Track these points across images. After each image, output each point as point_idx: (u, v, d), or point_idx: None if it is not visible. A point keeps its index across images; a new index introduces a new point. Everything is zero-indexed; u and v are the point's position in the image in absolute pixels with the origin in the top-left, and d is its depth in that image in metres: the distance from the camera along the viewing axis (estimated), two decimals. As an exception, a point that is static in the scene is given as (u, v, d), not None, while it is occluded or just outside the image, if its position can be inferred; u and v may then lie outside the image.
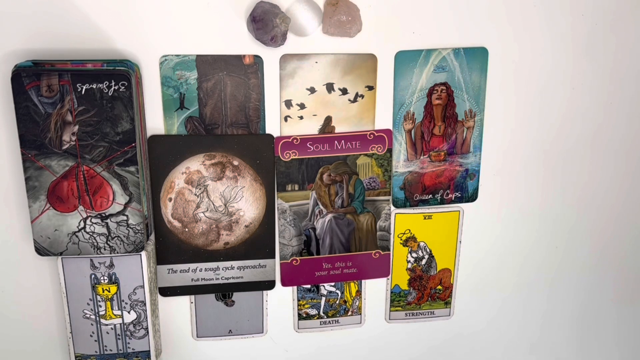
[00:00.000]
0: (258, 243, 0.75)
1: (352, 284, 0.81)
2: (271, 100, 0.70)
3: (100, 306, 0.71)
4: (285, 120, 0.71)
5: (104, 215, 0.66)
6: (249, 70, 0.68)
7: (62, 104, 0.62)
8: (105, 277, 0.70)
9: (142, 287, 0.71)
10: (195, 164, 0.71)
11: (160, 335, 0.77)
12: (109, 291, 0.71)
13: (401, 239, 0.79)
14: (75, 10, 0.63)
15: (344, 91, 0.71)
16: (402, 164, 0.76)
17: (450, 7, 0.70)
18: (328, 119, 0.72)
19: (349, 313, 0.82)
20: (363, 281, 0.81)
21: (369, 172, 0.75)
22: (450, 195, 0.78)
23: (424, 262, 0.81)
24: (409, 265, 0.81)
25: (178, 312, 0.77)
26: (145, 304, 0.72)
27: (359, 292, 0.81)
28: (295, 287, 0.79)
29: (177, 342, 0.79)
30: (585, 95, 0.77)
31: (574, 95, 0.77)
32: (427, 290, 0.82)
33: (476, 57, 0.72)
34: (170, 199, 0.71)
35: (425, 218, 0.79)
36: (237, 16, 0.66)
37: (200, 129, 0.70)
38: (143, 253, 0.69)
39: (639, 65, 0.77)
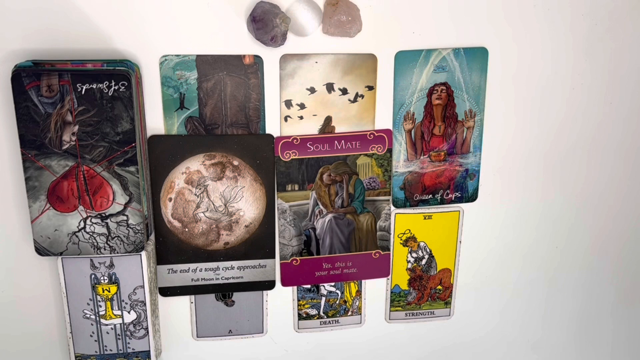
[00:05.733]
0: (258, 243, 0.75)
1: (352, 284, 0.81)
2: (271, 100, 0.70)
3: (100, 306, 0.71)
4: (285, 120, 0.71)
5: (104, 215, 0.66)
6: (249, 70, 0.68)
7: (62, 104, 0.62)
8: (105, 277, 0.70)
9: (142, 287, 0.71)
10: (195, 164, 0.71)
11: (160, 335, 0.77)
12: (109, 291, 0.71)
13: (401, 239, 0.79)
14: (75, 10, 0.63)
15: (344, 91, 0.71)
16: (402, 164, 0.76)
17: (450, 7, 0.70)
18: (328, 119, 0.72)
19: (349, 313, 0.82)
20: (363, 281, 0.81)
21: (369, 172, 0.75)
22: (450, 195, 0.78)
23: (424, 262, 0.81)
24: (409, 265, 0.81)
25: (178, 312, 0.77)
26: (145, 304, 0.72)
27: (359, 292, 0.81)
28: (295, 287, 0.79)
29: (177, 342, 0.79)
30: (585, 95, 0.77)
31: (574, 95, 0.77)
32: (427, 290, 0.82)
33: (476, 57, 0.72)
34: (170, 199, 0.71)
35: (425, 218, 0.79)
36: (237, 16, 0.66)
37: (200, 129, 0.70)
38: (143, 253, 0.69)
39: (639, 65, 0.77)
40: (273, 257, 0.76)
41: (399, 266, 0.80)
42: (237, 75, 0.68)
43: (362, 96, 0.72)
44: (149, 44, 0.66)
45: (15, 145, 0.66)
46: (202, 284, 0.75)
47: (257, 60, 0.68)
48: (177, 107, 0.68)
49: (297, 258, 0.77)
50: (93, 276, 0.70)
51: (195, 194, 0.72)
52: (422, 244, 0.80)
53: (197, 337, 0.79)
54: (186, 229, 0.73)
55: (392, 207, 0.77)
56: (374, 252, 0.78)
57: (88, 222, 0.66)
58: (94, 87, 0.61)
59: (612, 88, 0.78)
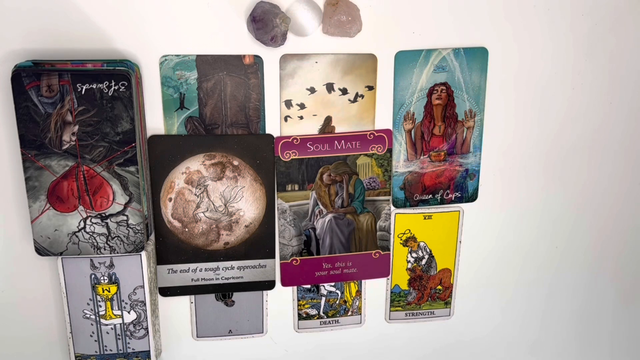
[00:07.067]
0: (258, 243, 0.75)
1: (352, 284, 0.81)
2: (271, 100, 0.70)
3: (100, 306, 0.71)
4: (285, 120, 0.71)
5: (104, 215, 0.66)
6: (249, 70, 0.68)
7: (62, 104, 0.62)
8: (105, 277, 0.70)
9: (142, 287, 0.71)
10: (195, 164, 0.71)
11: (160, 335, 0.77)
12: (109, 291, 0.71)
13: (401, 239, 0.79)
14: (75, 10, 0.63)
15: (344, 91, 0.71)
16: (402, 164, 0.76)
17: (450, 7, 0.70)
18: (328, 119, 0.72)
19: (349, 313, 0.82)
20: (363, 281, 0.81)
21: (369, 172, 0.75)
22: (450, 195, 0.78)
23: (424, 262, 0.81)
24: (409, 265, 0.81)
25: (178, 312, 0.77)
26: (145, 304, 0.72)
27: (359, 292, 0.81)
28: (295, 287, 0.79)
29: (177, 342, 0.79)
30: (585, 95, 0.77)
31: (574, 95, 0.77)
32: (427, 290, 0.82)
33: (476, 57, 0.72)
34: (170, 199, 0.71)
35: (425, 218, 0.79)
36: (237, 16, 0.66)
37: (200, 129, 0.70)
38: (143, 253, 0.69)
39: (639, 65, 0.77)
40: (273, 257, 0.76)
41: (399, 266, 0.80)
42: (237, 75, 0.68)
43: (362, 96, 0.72)
44: (149, 44, 0.66)
45: (15, 145, 0.66)
46: (202, 284, 0.75)
47: (257, 60, 0.68)
48: (177, 107, 0.68)
49: (297, 258, 0.77)
50: (93, 276, 0.70)
51: (195, 194, 0.72)
52: (422, 244, 0.80)
53: (197, 337, 0.79)
54: (186, 229, 0.73)
55: (392, 207, 0.77)
56: (374, 252, 0.78)
57: (88, 222, 0.66)
58: (94, 87, 0.61)
59: (612, 88, 0.78)
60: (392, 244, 0.79)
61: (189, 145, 0.70)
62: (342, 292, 0.81)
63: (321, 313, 0.81)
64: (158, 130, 0.69)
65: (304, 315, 0.81)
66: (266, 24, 0.64)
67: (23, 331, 0.74)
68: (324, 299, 0.80)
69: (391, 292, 0.82)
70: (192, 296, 0.76)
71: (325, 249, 0.77)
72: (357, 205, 0.76)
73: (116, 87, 0.62)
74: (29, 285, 0.72)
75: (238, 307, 0.78)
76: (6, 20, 0.62)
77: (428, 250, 0.81)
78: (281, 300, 0.79)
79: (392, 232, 0.79)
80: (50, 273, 0.72)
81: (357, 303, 0.82)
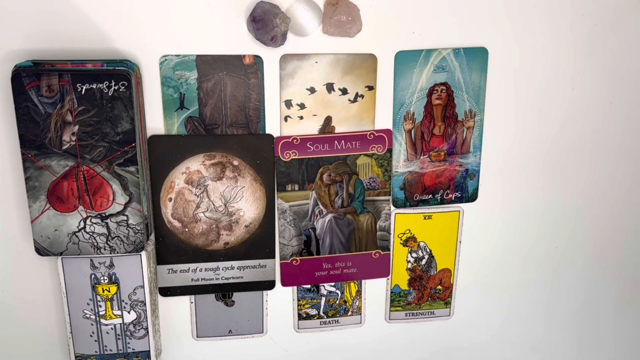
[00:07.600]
0: (258, 243, 0.75)
1: (352, 284, 0.81)
2: (271, 100, 0.70)
3: (100, 306, 0.71)
4: (285, 120, 0.71)
5: (104, 215, 0.66)
6: (249, 70, 0.68)
7: (62, 104, 0.62)
8: (105, 277, 0.70)
9: (142, 287, 0.71)
10: (195, 164, 0.71)
11: (160, 335, 0.77)
12: (109, 291, 0.71)
13: (401, 239, 0.79)
14: (75, 10, 0.63)
15: (344, 91, 0.71)
16: (402, 164, 0.76)
17: (450, 7, 0.70)
18: (328, 119, 0.72)
19: (349, 313, 0.82)
20: (363, 281, 0.81)
21: (369, 172, 0.75)
22: (450, 195, 0.78)
23: (424, 262, 0.81)
24: (409, 265, 0.81)
25: (178, 312, 0.77)
26: (145, 304, 0.72)
27: (359, 292, 0.81)
28: (295, 287, 0.79)
29: (177, 342, 0.79)
30: (585, 95, 0.77)
31: (574, 95, 0.77)
32: (427, 290, 0.82)
33: (476, 57, 0.72)
34: (170, 199, 0.71)
35: (425, 218, 0.79)
36: (237, 16, 0.66)
37: (200, 129, 0.70)
38: (143, 253, 0.69)
39: (639, 65, 0.77)
40: (273, 257, 0.76)
41: (399, 266, 0.80)
42: (237, 75, 0.68)
43: (362, 96, 0.72)
44: (149, 44, 0.66)
45: (15, 145, 0.66)
46: (202, 284, 0.75)
47: (257, 60, 0.68)
48: (177, 107, 0.68)
49: (297, 258, 0.77)
50: (93, 276, 0.70)
51: (195, 194, 0.72)
52: (422, 244, 0.80)
53: (197, 337, 0.79)
54: (186, 229, 0.73)
55: (392, 207, 0.77)
56: (374, 252, 0.78)
57: (88, 222, 0.66)
58: (94, 87, 0.61)
59: (612, 88, 0.78)
60: (392, 244, 0.79)
61: (189, 145, 0.70)
62: (342, 292, 0.81)
63: (321, 313, 0.81)
64: (158, 130, 0.69)
65: (304, 315, 0.81)
66: (266, 24, 0.64)
67: (23, 331, 0.74)
68: (324, 299, 0.80)
69: (391, 292, 0.82)
70: (192, 296, 0.76)
71: (325, 249, 0.77)
72: (357, 205, 0.76)
73: (116, 87, 0.62)
74: (29, 285, 0.72)
75: (238, 307, 0.78)
76: (6, 20, 0.62)
77: (428, 250, 0.81)
78: (281, 300, 0.79)
79: (392, 232, 0.79)
80: (50, 273, 0.72)
81: (357, 303, 0.82)
